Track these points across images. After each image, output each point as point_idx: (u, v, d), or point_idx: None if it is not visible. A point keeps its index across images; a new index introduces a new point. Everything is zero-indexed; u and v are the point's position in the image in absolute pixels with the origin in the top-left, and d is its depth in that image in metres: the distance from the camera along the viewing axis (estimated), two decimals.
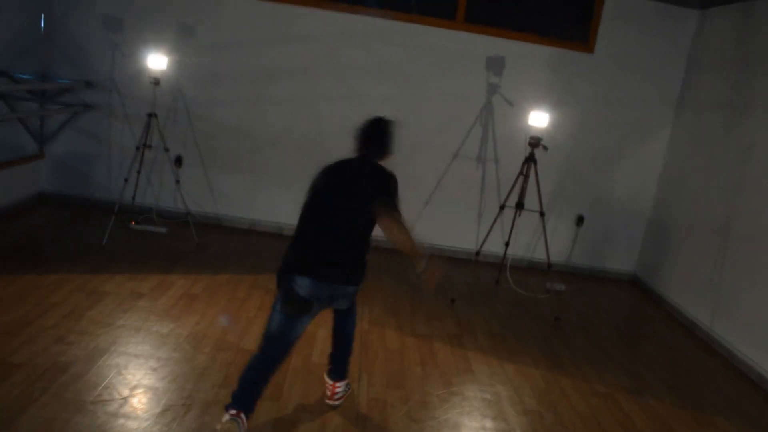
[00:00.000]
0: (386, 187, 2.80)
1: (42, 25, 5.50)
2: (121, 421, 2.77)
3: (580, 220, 5.93)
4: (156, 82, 4.99)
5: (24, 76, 5.52)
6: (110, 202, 5.52)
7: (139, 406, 2.91)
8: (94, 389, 2.99)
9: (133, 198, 5.38)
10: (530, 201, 5.12)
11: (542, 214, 5.04)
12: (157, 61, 4.93)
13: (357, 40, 5.56)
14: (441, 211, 5.84)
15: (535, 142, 4.83)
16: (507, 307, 4.93)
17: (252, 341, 3.69)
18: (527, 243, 5.95)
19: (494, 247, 5.59)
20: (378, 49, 5.57)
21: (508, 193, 5.09)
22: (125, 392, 3.00)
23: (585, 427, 3.31)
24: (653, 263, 5.79)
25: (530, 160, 4.90)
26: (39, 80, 5.61)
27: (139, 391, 3.04)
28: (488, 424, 3.22)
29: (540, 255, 5.81)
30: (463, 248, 5.95)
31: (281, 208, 5.85)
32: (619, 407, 3.58)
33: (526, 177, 4.90)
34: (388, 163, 2.90)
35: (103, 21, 5.45)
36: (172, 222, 5.67)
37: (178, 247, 5.17)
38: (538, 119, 4.82)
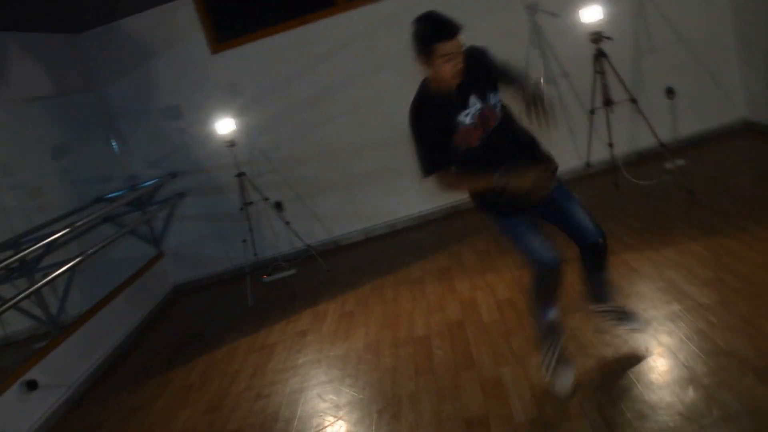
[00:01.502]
0: None
1: (114, 145, 5.88)
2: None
3: (670, 92, 5.72)
4: (231, 144, 5.23)
5: (116, 194, 5.90)
6: (239, 268, 5.83)
7: (352, 417, 3.07)
8: (310, 422, 3.17)
9: (255, 255, 5.64)
10: (616, 94, 4.99)
11: (633, 101, 4.91)
12: (225, 126, 5.17)
13: (385, 26, 5.61)
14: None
15: (596, 37, 4.73)
16: (637, 202, 4.84)
17: (421, 328, 3.82)
18: (629, 137, 5.79)
19: (599, 154, 5.49)
20: (407, 22, 5.60)
21: (592, 96, 4.99)
22: (339, 413, 3.17)
23: (766, 270, 3.23)
24: (762, 98, 5.50)
25: (600, 56, 4.79)
26: (130, 191, 5.98)
27: (346, 409, 3.20)
28: (675, 307, 3.19)
29: (645, 143, 5.65)
30: (569, 169, 5.87)
31: (385, 207, 5.98)
32: None
33: (603, 74, 4.80)
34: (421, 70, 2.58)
35: (162, 114, 5.77)
36: (297, 261, 5.90)
37: (313, 279, 5.40)
38: (592, 14, 4.72)
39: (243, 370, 4.07)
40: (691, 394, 2.52)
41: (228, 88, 5.75)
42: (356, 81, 5.75)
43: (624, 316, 2.95)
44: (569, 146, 5.83)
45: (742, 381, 2.51)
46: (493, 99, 2.55)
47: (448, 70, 2.43)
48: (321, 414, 3.24)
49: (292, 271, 5.72)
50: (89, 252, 4.55)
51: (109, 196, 5.87)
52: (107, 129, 5.90)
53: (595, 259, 2.77)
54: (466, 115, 2.51)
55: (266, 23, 5.71)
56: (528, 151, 2.65)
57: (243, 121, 5.66)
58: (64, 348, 4.42)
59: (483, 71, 2.54)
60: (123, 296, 5.31)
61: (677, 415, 2.42)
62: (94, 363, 4.70)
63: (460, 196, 5.55)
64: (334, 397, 3.37)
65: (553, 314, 2.83)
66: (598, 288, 2.92)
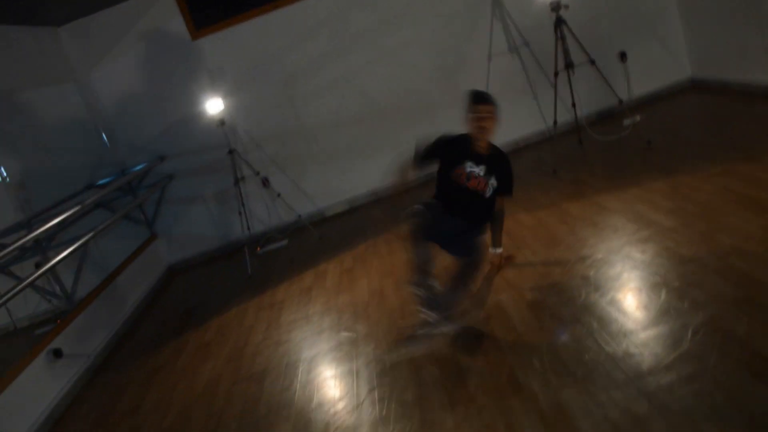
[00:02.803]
0: None
1: (102, 133, 6.10)
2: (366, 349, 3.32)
3: (623, 56, 6.23)
4: (222, 123, 5.53)
5: (107, 180, 6.12)
6: (231, 244, 6.17)
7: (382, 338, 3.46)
8: (333, 355, 3.55)
9: (249, 228, 5.94)
10: (577, 58, 5.46)
11: (593, 62, 5.38)
12: (214, 105, 5.46)
13: (357, 6, 5.96)
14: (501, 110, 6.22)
15: (555, 5, 5.17)
16: (601, 155, 5.33)
17: None
18: (589, 98, 6.28)
19: (563, 116, 5.96)
20: (378, 2, 5.98)
21: (555, 61, 5.44)
22: (358, 344, 3.56)
23: (717, 196, 3.72)
24: (704, 57, 6.06)
25: (559, 23, 5.24)
26: (120, 176, 6.21)
27: (365, 339, 3.59)
28: (645, 233, 3.66)
29: (604, 103, 6.17)
30: (536, 131, 6.36)
31: (367, 177, 6.35)
32: (740, 175, 3.96)
33: (563, 39, 5.25)
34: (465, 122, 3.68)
35: (148, 101, 6.02)
36: (288, 233, 6.24)
37: (306, 246, 5.74)
38: None
39: (257, 324, 4.41)
40: (663, 295, 2.98)
41: (209, 73, 6.03)
42: (331, 60, 6.09)
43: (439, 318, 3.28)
44: (534, 111, 6.31)
45: (705, 279, 2.98)
46: (491, 181, 3.55)
47: (476, 126, 3.51)
48: (342, 348, 3.61)
49: (285, 242, 6.05)
50: (100, 228, 4.81)
51: (100, 182, 6.09)
52: (94, 118, 6.10)
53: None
54: (473, 167, 3.55)
55: (241, 9, 5.99)
56: (475, 224, 3.63)
57: (226, 103, 5.94)
58: (80, 321, 4.67)
59: (498, 165, 3.58)
60: (124, 275, 5.55)
61: (655, 310, 2.88)
62: (108, 334, 4.97)
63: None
64: (351, 334, 3.73)
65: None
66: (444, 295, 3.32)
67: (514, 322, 3.21)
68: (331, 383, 3.29)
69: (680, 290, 2.96)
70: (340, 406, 3.03)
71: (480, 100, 3.54)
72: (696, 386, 2.31)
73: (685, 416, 2.20)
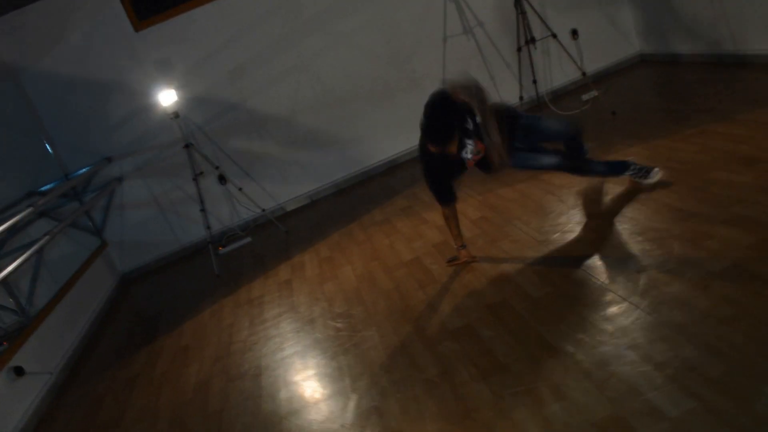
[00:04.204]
0: None
1: (41, 135, 5.68)
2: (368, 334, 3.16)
3: (574, 34, 6.29)
4: (176, 115, 5.24)
5: (49, 186, 5.70)
6: (190, 246, 5.88)
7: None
8: (334, 343, 3.37)
9: (209, 227, 5.65)
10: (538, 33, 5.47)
11: (554, 35, 5.39)
12: (167, 97, 5.16)
13: None
14: None
15: None
16: None
17: (408, 254, 4.08)
18: (545, 75, 6.32)
19: (528, 92, 5.95)
20: None
21: (517, 36, 5.42)
22: (358, 330, 3.38)
23: (701, 154, 3.75)
24: (652, 32, 6.19)
25: None
26: (64, 181, 5.80)
27: (363, 325, 3.42)
28: (637, 194, 3.64)
29: (568, 77, 6.22)
30: None
31: (326, 168, 6.17)
32: (717, 134, 4.01)
33: (524, 14, 5.24)
34: None
35: (90, 98, 5.64)
36: (250, 229, 5.98)
37: (274, 240, 5.51)
38: None
39: (238, 322, 4.17)
40: (676, 248, 2.95)
41: (156, 65, 5.70)
42: (284, 48, 5.88)
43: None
44: (492, 91, 6.27)
45: (715, 230, 2.97)
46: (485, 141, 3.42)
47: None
48: (341, 334, 3.43)
49: (248, 239, 5.79)
50: (55, 231, 4.45)
51: (43, 189, 5.67)
52: (32, 119, 5.68)
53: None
54: (468, 151, 3.41)
55: None
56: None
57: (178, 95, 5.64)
58: (37, 337, 4.30)
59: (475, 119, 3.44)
60: (77, 288, 5.16)
61: (674, 263, 2.84)
62: (69, 349, 4.61)
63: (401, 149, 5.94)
64: (348, 321, 3.56)
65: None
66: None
67: (526, 289, 3.11)
68: (337, 372, 3.09)
69: (693, 241, 2.93)
70: (356, 392, 2.85)
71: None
72: (742, 326, 2.26)
73: (742, 357, 2.14)
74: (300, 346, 3.52)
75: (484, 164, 3.49)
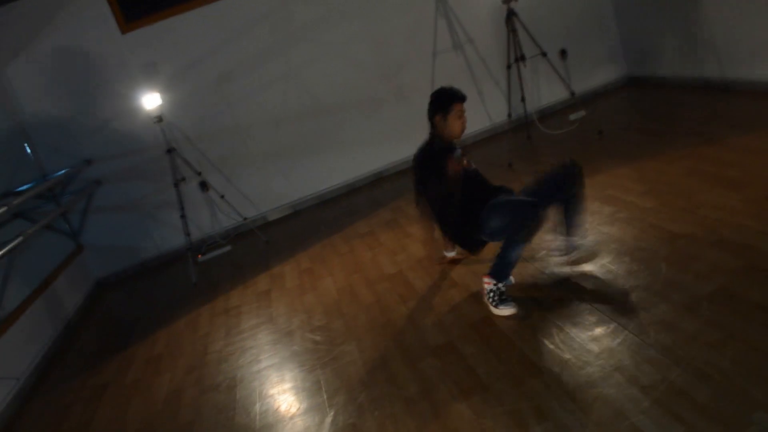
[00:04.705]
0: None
1: (21, 136, 5.55)
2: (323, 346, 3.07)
3: (563, 54, 6.29)
4: (159, 119, 5.14)
5: (26, 186, 5.55)
6: (169, 253, 5.76)
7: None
8: (312, 356, 3.27)
9: (188, 235, 5.53)
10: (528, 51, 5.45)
11: (544, 54, 5.37)
12: (151, 101, 5.06)
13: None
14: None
15: None
16: (555, 148, 5.32)
17: (390, 267, 4.01)
18: (534, 94, 6.31)
19: (518, 110, 5.92)
20: None
21: (507, 53, 5.40)
22: (336, 344, 3.29)
23: (688, 177, 3.73)
24: (638, 55, 6.22)
25: (511, 15, 5.20)
26: (42, 182, 5.66)
27: (342, 339, 3.33)
28: (623, 214, 3.61)
29: (551, 97, 6.21)
30: (481, 129, 6.31)
31: (311, 179, 6.10)
32: (705, 157, 4.00)
33: (515, 32, 5.22)
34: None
35: (74, 99, 5.52)
36: (231, 238, 5.88)
37: (253, 251, 5.40)
38: None
39: (214, 332, 4.06)
40: (664, 269, 2.91)
41: (141, 68, 5.61)
42: (273, 56, 5.81)
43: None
44: (480, 108, 6.25)
45: (702, 252, 2.93)
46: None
47: (459, 122, 3.28)
48: (319, 348, 3.34)
49: (228, 248, 5.69)
50: (30, 232, 4.33)
51: (19, 189, 5.53)
52: (11, 118, 5.54)
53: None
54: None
55: (176, 1, 5.61)
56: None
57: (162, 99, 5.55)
58: (4, 342, 4.15)
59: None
60: (49, 292, 5.02)
61: (660, 284, 2.79)
62: (38, 355, 4.46)
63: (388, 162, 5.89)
64: (327, 334, 3.47)
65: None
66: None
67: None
68: (315, 386, 3.00)
69: (680, 263, 2.89)
70: (333, 408, 2.76)
71: (461, 97, 3.33)
72: (729, 351, 2.21)
73: (730, 383, 2.09)
74: (277, 358, 3.42)
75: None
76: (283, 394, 3.03)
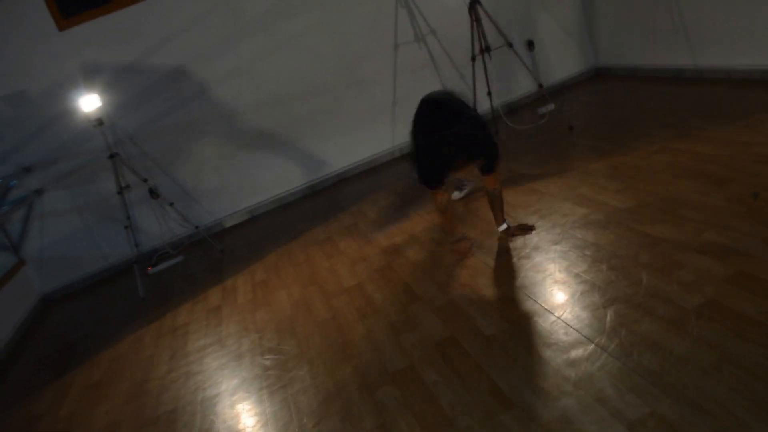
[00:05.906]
0: None
1: None
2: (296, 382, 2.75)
3: (530, 45, 6.02)
4: (99, 122, 4.75)
5: None
6: (118, 264, 5.38)
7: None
8: (260, 384, 2.95)
9: (137, 245, 5.16)
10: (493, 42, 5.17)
11: (510, 44, 5.09)
12: (89, 102, 4.67)
13: None
14: (409, 104, 5.81)
15: None
16: (524, 143, 5.03)
17: (349, 279, 3.70)
18: (506, 86, 6.03)
19: (484, 104, 5.63)
20: None
21: (471, 45, 5.11)
22: (289, 370, 2.97)
23: (664, 174, 3.47)
24: (609, 46, 5.98)
25: (474, 3, 4.90)
26: None
27: (294, 362, 3.01)
28: (598, 216, 3.33)
29: (523, 89, 5.94)
30: None
31: (269, 181, 5.75)
32: (680, 151, 3.75)
33: (479, 21, 4.93)
34: None
35: (5, 101, 5.10)
36: (183, 248, 5.51)
37: (207, 261, 5.05)
38: None
39: (158, 354, 3.71)
40: (645, 279, 2.63)
41: (81, 66, 5.21)
42: (224, 49, 5.44)
43: None
44: None
45: (686, 258, 2.66)
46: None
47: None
48: (269, 374, 3.01)
49: (180, 258, 5.32)
50: None
51: None
52: None
53: None
54: None
55: None
56: None
57: (103, 101, 5.14)
58: None
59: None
60: None
61: (642, 295, 2.51)
62: None
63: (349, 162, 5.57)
64: (279, 356, 3.14)
65: None
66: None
67: (478, 324, 2.75)
68: (262, 419, 2.67)
69: (663, 271, 2.62)
70: None
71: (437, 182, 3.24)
72: (725, 377, 1.94)
73: (728, 415, 1.81)
74: (224, 385, 3.08)
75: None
76: (228, 429, 2.69)
